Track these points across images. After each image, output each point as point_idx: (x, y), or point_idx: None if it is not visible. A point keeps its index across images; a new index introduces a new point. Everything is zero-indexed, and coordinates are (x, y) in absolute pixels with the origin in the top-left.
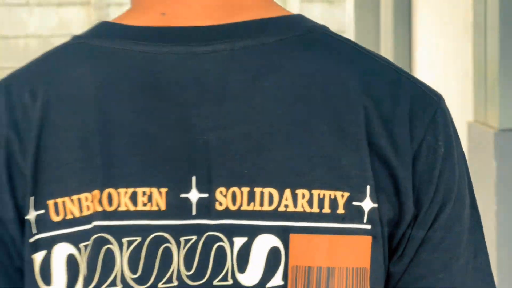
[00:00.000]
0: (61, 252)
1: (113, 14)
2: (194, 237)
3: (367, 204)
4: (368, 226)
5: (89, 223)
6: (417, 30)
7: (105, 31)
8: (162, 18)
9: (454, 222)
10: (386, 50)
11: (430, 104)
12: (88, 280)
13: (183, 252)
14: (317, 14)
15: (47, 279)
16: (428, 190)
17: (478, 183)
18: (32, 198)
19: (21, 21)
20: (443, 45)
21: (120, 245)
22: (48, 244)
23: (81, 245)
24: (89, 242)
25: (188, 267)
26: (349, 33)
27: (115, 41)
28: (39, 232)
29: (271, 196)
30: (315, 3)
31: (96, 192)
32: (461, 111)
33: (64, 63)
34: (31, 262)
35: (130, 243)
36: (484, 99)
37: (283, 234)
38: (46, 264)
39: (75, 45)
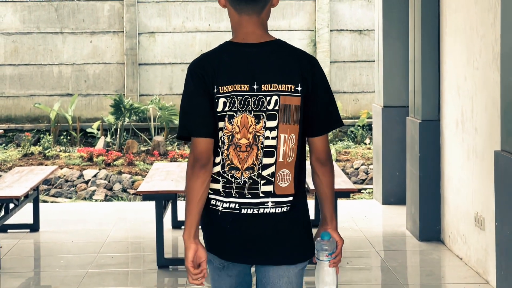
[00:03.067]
0: (221, 100)
1: (144, 42)
2: (256, 97)
3: (299, 88)
4: (300, 94)
5: (230, 93)
6: (445, 59)
7: (229, 43)
8: (243, 39)
9: (322, 91)
10: (415, 78)
11: (314, 61)
12: (229, 107)
13: (252, 100)
14: (345, 44)
15: (217, 107)
16: (314, 83)
17: (505, 209)
18: (214, 85)
19: (55, 49)
20: (471, 74)
21: (237, 98)
22: (218, 98)
23: (228, 98)
24: (230, 97)
25: (253, 104)
26: (378, 62)
27: (231, 47)
28: (215, 95)
29: (276, 86)
30: (344, 33)
31: (231, 85)
32: (488, 140)
33: (219, 52)
34: (215, 103)
35: (239, 98)
36: (511, 129)
37: (279, 96)
38: (217, 103)
39: (220, 48)
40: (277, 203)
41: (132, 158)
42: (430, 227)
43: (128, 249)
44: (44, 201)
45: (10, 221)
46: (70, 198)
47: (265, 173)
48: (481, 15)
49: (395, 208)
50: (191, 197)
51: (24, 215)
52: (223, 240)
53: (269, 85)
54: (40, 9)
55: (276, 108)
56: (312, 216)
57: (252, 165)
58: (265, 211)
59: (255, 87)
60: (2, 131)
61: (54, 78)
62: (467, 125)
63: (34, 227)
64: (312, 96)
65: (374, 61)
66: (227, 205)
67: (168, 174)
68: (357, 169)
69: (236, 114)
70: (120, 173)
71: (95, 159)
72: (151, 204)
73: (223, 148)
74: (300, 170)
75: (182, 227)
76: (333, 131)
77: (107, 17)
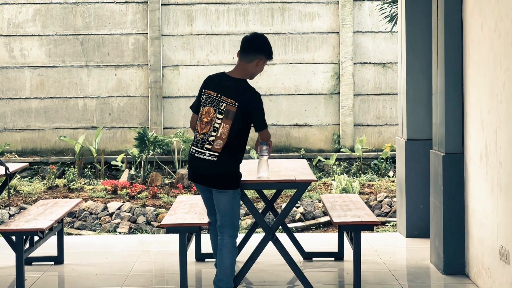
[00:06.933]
0: (203, 97)
1: (168, 75)
2: (217, 100)
3: (237, 104)
4: (236, 107)
5: (207, 94)
6: (469, 92)
7: (222, 73)
8: (232, 74)
9: (256, 109)
10: (438, 111)
11: (254, 92)
12: (204, 101)
13: (215, 101)
14: (369, 77)
15: (202, 100)
16: (250, 105)
17: None
18: (203, 89)
19: (80, 82)
20: (495, 107)
21: (209, 98)
22: (202, 95)
23: (205, 96)
24: (206, 96)
25: (215, 104)
26: (402, 95)
27: (222, 75)
28: (203, 94)
29: (226, 99)
30: (368, 65)
31: (209, 91)
32: None
33: (216, 75)
34: (202, 97)
35: (210, 98)
36: None
37: (226, 104)
38: (202, 98)
39: (218, 73)
40: (210, 154)
41: (156, 190)
42: (454, 261)
43: (152, 282)
44: (69, 234)
45: (35, 253)
46: (95, 230)
47: (210, 139)
48: (505, 48)
49: (419, 241)
50: None
51: (48, 247)
52: (191, 170)
53: (224, 97)
54: (65, 43)
55: (224, 109)
56: (335, 249)
57: (204, 133)
58: (204, 157)
59: (218, 95)
60: (27, 164)
61: (79, 111)
62: (491, 158)
63: (58, 259)
64: (252, 111)
65: (397, 94)
66: (193, 151)
67: (191, 207)
68: (380, 202)
69: (206, 105)
70: (144, 205)
71: (119, 192)
72: (175, 237)
73: (198, 120)
74: (231, 144)
75: (206, 259)
76: (357, 164)
77: (131, 51)
